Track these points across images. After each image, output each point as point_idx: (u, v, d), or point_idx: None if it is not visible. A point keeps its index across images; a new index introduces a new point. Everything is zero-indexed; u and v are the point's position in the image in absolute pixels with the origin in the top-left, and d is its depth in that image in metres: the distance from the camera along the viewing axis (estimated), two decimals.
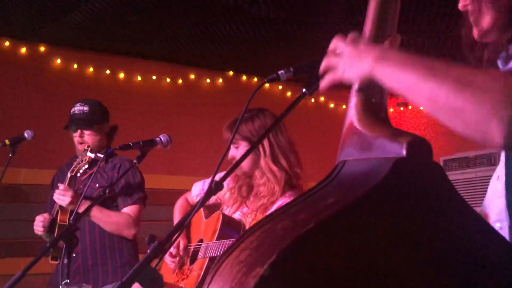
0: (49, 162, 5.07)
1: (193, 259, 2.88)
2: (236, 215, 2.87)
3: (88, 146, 3.03)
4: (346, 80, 1.03)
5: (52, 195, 3.54)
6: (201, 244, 2.85)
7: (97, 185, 3.40)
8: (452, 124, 0.88)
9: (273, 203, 2.73)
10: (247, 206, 2.85)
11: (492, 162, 5.81)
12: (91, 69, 5.49)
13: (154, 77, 5.82)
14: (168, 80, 5.90)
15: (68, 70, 5.38)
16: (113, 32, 5.09)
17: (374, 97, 0.99)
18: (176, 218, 3.18)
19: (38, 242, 4.64)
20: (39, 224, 3.26)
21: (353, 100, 0.99)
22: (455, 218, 0.85)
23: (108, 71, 5.57)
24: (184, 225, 1.59)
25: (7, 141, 3.34)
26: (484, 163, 5.90)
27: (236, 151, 2.81)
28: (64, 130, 3.53)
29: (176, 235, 1.50)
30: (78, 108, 3.47)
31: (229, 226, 2.76)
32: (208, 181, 3.13)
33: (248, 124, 2.81)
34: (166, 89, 5.90)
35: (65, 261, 2.39)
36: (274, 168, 2.75)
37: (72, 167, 3.11)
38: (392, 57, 0.96)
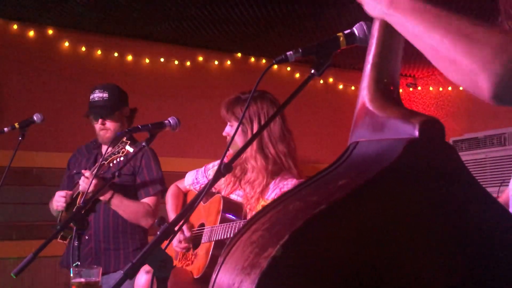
0: (58, 145, 5.09)
1: (196, 243, 2.89)
2: (233, 197, 2.88)
3: (127, 139, 2.97)
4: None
5: (68, 175, 3.57)
6: (203, 229, 2.85)
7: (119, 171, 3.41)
8: (448, 73, 0.92)
9: (262, 192, 2.73)
10: (242, 188, 2.86)
11: (502, 142, 5.78)
12: (99, 52, 5.48)
13: (162, 60, 5.81)
14: (176, 62, 5.89)
15: (76, 53, 5.37)
16: (121, 15, 5.07)
17: (386, 77, 0.98)
18: (169, 204, 3.19)
19: (48, 224, 4.68)
20: (61, 199, 3.27)
21: (365, 80, 0.98)
22: (469, 200, 0.85)
23: (116, 54, 5.56)
24: (194, 207, 1.60)
25: (16, 125, 3.34)
26: (494, 144, 5.87)
27: (231, 129, 2.84)
28: (84, 117, 3.52)
29: (186, 217, 1.50)
30: (97, 95, 3.44)
31: (231, 209, 2.77)
32: (201, 170, 3.14)
33: (244, 107, 2.81)
34: (174, 71, 5.89)
35: (76, 243, 2.41)
36: (258, 156, 2.74)
37: (106, 155, 3.06)
38: (403, 4, 0.99)
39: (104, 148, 3.48)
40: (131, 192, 3.39)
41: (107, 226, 3.35)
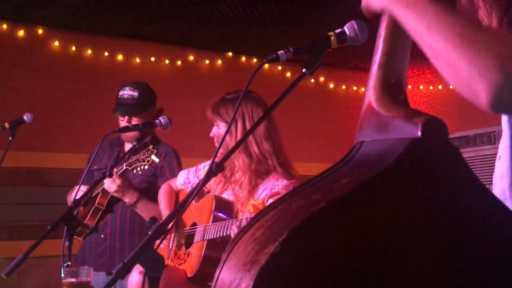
0: (49, 145, 5.07)
1: (189, 243, 2.89)
2: (223, 197, 2.88)
3: (154, 148, 2.98)
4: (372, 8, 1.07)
5: (88, 170, 3.56)
6: (195, 228, 2.85)
7: (140, 172, 3.41)
8: (446, 76, 0.91)
9: (251, 191, 2.72)
10: (231, 188, 2.86)
11: (492, 140, 5.80)
12: (89, 51, 5.46)
13: (152, 59, 5.80)
14: (167, 61, 5.88)
15: (66, 52, 5.35)
16: (111, 14, 5.06)
17: (393, 77, 0.98)
18: (162, 203, 3.19)
19: (38, 224, 4.66)
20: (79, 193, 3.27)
21: (372, 80, 0.98)
22: (471, 200, 0.85)
23: (106, 53, 5.55)
24: (186, 207, 1.60)
25: (6, 125, 3.33)
26: (484, 142, 5.89)
27: (217, 130, 2.84)
28: (112, 113, 3.48)
29: (177, 217, 1.50)
30: (127, 92, 3.43)
31: (223, 208, 2.77)
32: (192, 170, 3.14)
33: (229, 107, 2.81)
34: (165, 70, 5.88)
35: (66, 243, 2.39)
36: (241, 155, 2.74)
37: (130, 161, 3.06)
38: None
39: (127, 146, 3.49)
40: (151, 192, 3.38)
41: (124, 226, 3.36)
